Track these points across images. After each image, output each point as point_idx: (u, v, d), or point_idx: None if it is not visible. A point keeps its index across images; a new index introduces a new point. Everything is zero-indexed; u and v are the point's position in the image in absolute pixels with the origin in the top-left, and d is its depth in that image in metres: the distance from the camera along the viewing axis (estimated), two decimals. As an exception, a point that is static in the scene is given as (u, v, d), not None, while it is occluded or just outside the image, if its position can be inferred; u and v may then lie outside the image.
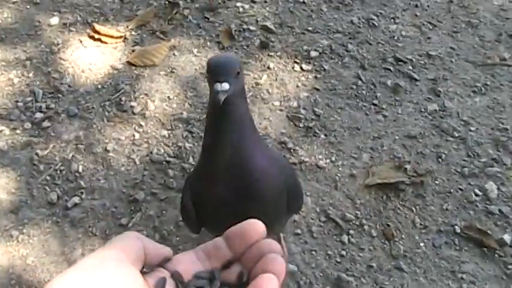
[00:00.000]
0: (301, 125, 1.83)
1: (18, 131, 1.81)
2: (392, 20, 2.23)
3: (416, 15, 2.26)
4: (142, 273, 0.61)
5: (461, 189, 1.71)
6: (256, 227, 0.64)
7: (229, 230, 0.65)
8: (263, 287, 0.58)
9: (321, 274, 1.53)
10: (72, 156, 1.75)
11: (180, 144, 1.77)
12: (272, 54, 2.05)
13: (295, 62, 2.03)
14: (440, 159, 1.77)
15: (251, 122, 1.10)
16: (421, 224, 1.63)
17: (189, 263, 0.64)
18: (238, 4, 2.26)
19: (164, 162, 1.73)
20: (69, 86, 1.94)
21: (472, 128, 1.86)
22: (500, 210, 1.67)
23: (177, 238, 1.58)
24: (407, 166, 1.73)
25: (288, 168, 1.31)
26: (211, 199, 1.15)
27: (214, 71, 0.99)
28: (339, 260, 1.55)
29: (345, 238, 1.59)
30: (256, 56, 2.05)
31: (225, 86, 0.96)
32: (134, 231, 0.63)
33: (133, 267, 0.59)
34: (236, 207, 1.09)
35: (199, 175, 1.19)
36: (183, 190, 1.25)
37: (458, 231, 1.62)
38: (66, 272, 0.55)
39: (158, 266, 0.64)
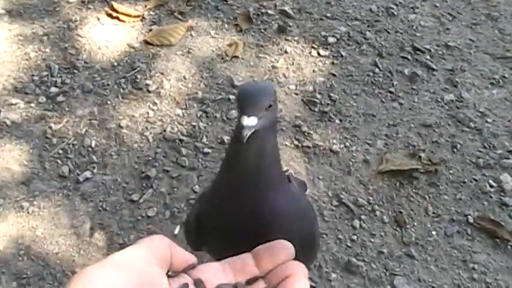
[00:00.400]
0: (316, 110, 1.82)
1: (32, 105, 1.81)
2: (411, 9, 2.21)
3: (435, 6, 2.24)
4: (167, 276, 0.62)
5: (475, 180, 1.69)
6: (286, 247, 0.65)
7: (258, 247, 0.66)
8: None
9: (331, 258, 1.52)
10: (86, 131, 1.75)
11: (194, 123, 1.76)
12: (289, 38, 2.04)
13: (313, 47, 2.01)
14: (455, 149, 1.75)
15: (277, 158, 0.99)
16: (433, 213, 1.61)
17: (213, 273, 0.65)
18: (257, -12, 2.25)
19: (177, 141, 1.72)
20: (85, 62, 1.93)
21: (489, 120, 1.84)
22: (514, 203, 1.65)
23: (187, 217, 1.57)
24: (422, 154, 1.71)
25: (308, 213, 1.18)
26: (219, 223, 1.06)
27: (243, 102, 0.87)
28: (349, 244, 1.54)
29: (357, 223, 1.58)
30: (274, 39, 2.03)
31: (252, 121, 0.85)
32: (163, 235, 0.64)
33: (160, 269, 0.60)
34: (241, 238, 0.93)
35: (211, 194, 1.11)
36: (193, 205, 1.20)
37: (471, 221, 1.60)
38: (97, 266, 0.56)
39: (183, 272, 0.64)
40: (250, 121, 0.85)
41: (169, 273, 0.62)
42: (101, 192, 1.62)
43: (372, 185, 1.65)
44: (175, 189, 1.62)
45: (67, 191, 1.61)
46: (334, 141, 1.74)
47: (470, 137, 1.79)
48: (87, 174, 1.65)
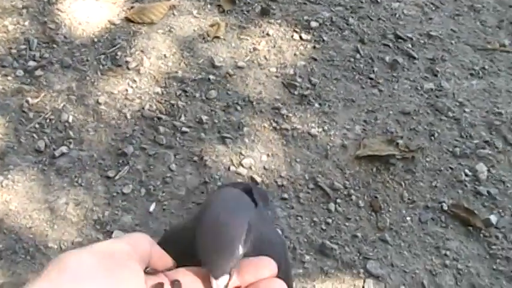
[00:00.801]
0: (296, 93, 1.82)
1: (9, 78, 1.78)
2: (395, -2, 2.22)
3: (419, -5, 2.24)
4: (145, 272, 0.61)
5: (451, 168, 1.70)
6: (271, 265, 0.65)
7: (243, 259, 0.65)
8: None
9: (305, 240, 1.52)
10: (63, 106, 1.73)
11: (172, 102, 1.75)
12: (272, 21, 2.03)
13: (295, 30, 2.00)
14: (432, 137, 1.76)
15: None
16: (409, 199, 1.62)
17: (192, 278, 0.65)
18: (242, -30, 2.23)
19: (155, 119, 1.71)
20: (64, 37, 1.91)
21: (467, 110, 1.85)
22: (488, 192, 1.66)
23: (163, 194, 1.56)
24: (400, 141, 1.72)
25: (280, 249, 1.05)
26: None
27: (206, 256, 0.63)
28: (324, 227, 1.55)
29: (332, 206, 1.58)
30: (256, 22, 2.02)
31: (224, 280, 0.63)
32: (145, 233, 0.63)
33: (138, 265, 0.60)
34: None
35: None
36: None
37: (446, 208, 1.62)
38: (76, 252, 0.56)
39: (161, 272, 0.64)
40: (221, 283, 0.63)
41: (147, 269, 0.62)
42: (76, 167, 1.60)
43: (348, 170, 1.66)
44: (151, 167, 1.61)
45: (42, 166, 1.60)
46: (313, 124, 1.74)
47: (448, 126, 1.80)
48: (64, 149, 1.63)
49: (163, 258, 0.65)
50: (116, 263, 0.57)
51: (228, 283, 0.66)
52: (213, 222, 0.67)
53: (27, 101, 1.73)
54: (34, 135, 1.66)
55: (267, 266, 0.65)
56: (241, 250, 0.64)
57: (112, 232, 1.48)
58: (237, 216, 0.69)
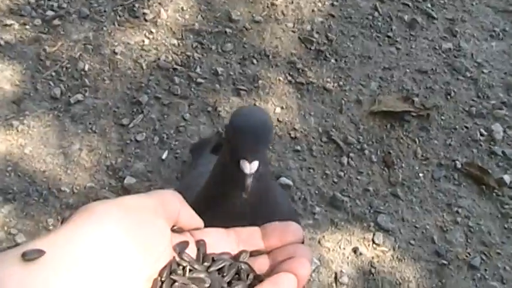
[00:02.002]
0: (312, 48, 1.80)
1: (27, 27, 1.79)
2: (416, -42, 2.18)
3: (441, -43, 2.21)
4: (172, 231, 0.61)
5: (466, 127, 1.69)
6: (296, 230, 0.64)
7: (269, 223, 0.65)
8: (280, 284, 0.58)
9: (316, 192, 1.52)
10: (80, 55, 1.73)
11: (188, 53, 1.75)
12: (291, -22, 2.02)
13: (314, -13, 1.99)
14: (449, 96, 1.75)
15: (273, 190, 0.88)
16: (422, 156, 1.61)
17: (217, 238, 0.65)
18: None
19: (171, 69, 1.71)
20: (82, -13, 1.91)
21: (485, 71, 1.83)
22: (503, 152, 1.65)
23: (176, 142, 1.57)
24: (415, 99, 1.71)
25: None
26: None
27: (242, 144, 0.72)
28: (336, 180, 1.54)
29: (345, 160, 1.58)
30: (275, -22, 2.01)
31: (255, 166, 0.71)
32: (176, 192, 0.63)
33: (165, 222, 0.59)
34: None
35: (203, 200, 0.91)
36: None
37: (459, 166, 1.61)
38: (105, 202, 0.56)
39: (187, 231, 0.64)
40: (253, 167, 0.71)
41: (174, 227, 0.62)
42: (91, 115, 1.61)
43: (362, 125, 1.65)
44: (165, 116, 1.61)
45: (57, 112, 1.61)
46: (328, 79, 1.73)
47: (465, 85, 1.78)
48: (79, 97, 1.64)
49: (192, 218, 0.64)
50: (142, 218, 0.57)
51: (258, 170, 0.71)
52: (243, 118, 0.76)
53: (44, 50, 1.73)
54: (50, 82, 1.66)
55: (292, 231, 0.64)
56: (270, 140, 0.73)
57: (124, 178, 1.49)
58: (264, 116, 0.77)
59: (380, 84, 1.75)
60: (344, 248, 1.44)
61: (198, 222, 0.65)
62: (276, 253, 0.63)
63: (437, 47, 1.87)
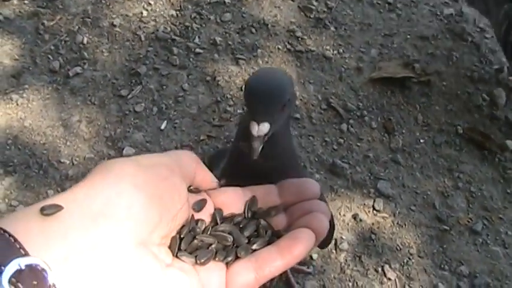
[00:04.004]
0: (311, 16, 1.79)
1: (26, 1, 1.78)
2: None
3: None
4: (189, 191, 0.61)
5: (468, 93, 1.67)
6: (312, 186, 0.64)
7: (285, 180, 0.65)
8: (298, 239, 0.58)
9: (316, 159, 1.51)
10: (78, 28, 1.73)
11: (187, 24, 1.74)
12: None
13: (313, -44, 1.97)
14: (450, 62, 1.73)
15: (292, 156, 0.87)
16: (423, 122, 1.60)
17: (235, 197, 0.65)
18: None
19: (169, 40, 1.70)
20: (80, -39, 1.90)
21: (488, 36, 1.81)
22: (506, 117, 1.64)
23: (175, 112, 1.56)
24: (416, 65, 1.69)
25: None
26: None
27: (252, 104, 0.71)
28: (335, 147, 1.54)
29: (344, 127, 1.57)
30: None
31: (264, 128, 0.69)
32: (193, 152, 0.63)
33: (182, 181, 0.59)
34: None
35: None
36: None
37: (461, 132, 1.60)
38: (121, 160, 0.57)
39: (204, 191, 0.64)
40: (262, 129, 0.69)
41: (191, 187, 0.62)
42: (90, 87, 1.61)
43: (362, 92, 1.64)
44: (164, 87, 1.61)
45: (56, 85, 1.61)
46: (328, 47, 1.72)
47: (466, 50, 1.76)
48: (78, 69, 1.64)
49: (208, 178, 0.65)
50: (157, 175, 0.57)
51: (268, 133, 0.69)
52: (258, 79, 0.73)
53: (43, 24, 1.73)
54: (49, 56, 1.66)
55: (309, 188, 0.64)
56: (285, 102, 0.70)
57: (123, 149, 1.49)
58: (281, 77, 0.74)
59: (380, 51, 1.73)
60: (344, 215, 1.43)
61: (214, 182, 0.65)
62: (293, 209, 0.64)
63: (438, 13, 1.85)
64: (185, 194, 0.60)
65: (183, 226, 0.61)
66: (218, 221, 0.63)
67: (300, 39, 1.73)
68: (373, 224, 1.44)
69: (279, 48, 1.70)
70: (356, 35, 1.76)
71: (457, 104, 1.65)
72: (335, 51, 1.71)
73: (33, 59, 1.66)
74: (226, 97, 1.59)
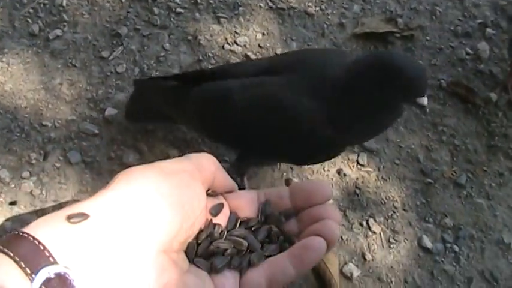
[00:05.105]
0: (293, -27, 1.77)
1: (3, -35, 1.76)
2: None
3: None
4: (206, 194, 0.63)
5: (452, 47, 1.67)
6: (325, 189, 0.65)
7: (297, 183, 0.69)
8: (310, 247, 0.59)
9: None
10: (57, -9, 1.71)
11: (167, -16, 1.72)
12: None
13: None
14: (434, 17, 1.72)
15: None
16: (406, 76, 1.59)
17: (249, 200, 0.67)
18: None
19: (150, 0, 1.68)
20: None
21: (471, -10, 1.79)
22: (490, 71, 1.63)
23: (157, 72, 1.55)
24: (399, 20, 1.68)
25: None
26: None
27: (425, 84, 0.96)
28: (319, 103, 1.53)
29: (327, 83, 1.56)
30: None
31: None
32: (211, 155, 0.64)
33: (202, 186, 0.61)
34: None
35: None
36: None
37: (444, 85, 1.59)
38: (143, 167, 0.58)
39: (221, 194, 0.67)
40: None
41: (209, 191, 0.64)
42: (70, 49, 1.59)
43: (345, 47, 1.63)
44: (145, 47, 1.60)
45: (36, 49, 1.59)
46: (310, 4, 1.70)
47: (450, 5, 1.75)
48: (58, 32, 1.62)
49: (226, 181, 0.66)
50: (180, 182, 0.58)
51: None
52: (411, 64, 0.98)
53: (21, -13, 1.70)
54: (28, 19, 1.64)
55: (321, 192, 0.65)
56: None
57: (105, 110, 1.48)
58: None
59: (363, 6, 1.72)
60: (328, 170, 1.43)
61: (232, 185, 0.67)
62: (305, 215, 0.65)
63: (422, -32, 1.83)
64: (204, 199, 0.62)
65: (200, 231, 0.63)
66: (234, 226, 0.65)
67: (281, -4, 1.71)
68: (357, 178, 1.44)
69: (260, 6, 1.68)
70: (338, -9, 1.75)
71: (440, 58, 1.64)
72: (317, 8, 1.70)
73: (12, 22, 1.63)
74: (208, 56, 1.58)
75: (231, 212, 0.66)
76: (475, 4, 1.75)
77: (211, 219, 0.64)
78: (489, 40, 1.69)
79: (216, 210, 0.64)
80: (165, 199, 0.56)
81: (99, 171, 1.40)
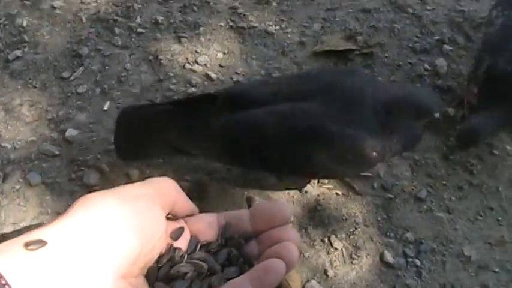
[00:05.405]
0: (254, -8, 1.79)
1: (-39, -13, 1.75)
2: None
3: None
4: (167, 218, 0.63)
5: (410, 63, 1.69)
6: (285, 211, 0.66)
7: (257, 205, 0.68)
8: (269, 270, 0.59)
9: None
10: (17, 11, 1.70)
11: (128, 4, 1.73)
12: None
13: None
14: (392, 34, 1.74)
15: None
16: (366, 93, 1.61)
17: (209, 224, 0.67)
18: None
19: (111, 21, 1.69)
20: None
21: (429, 7, 1.83)
22: (448, 86, 1.66)
23: (118, 92, 1.55)
24: (359, 37, 1.70)
25: None
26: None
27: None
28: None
29: (288, 101, 1.57)
30: None
31: None
32: (172, 180, 0.65)
33: (161, 211, 0.61)
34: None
35: None
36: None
37: (403, 101, 1.61)
38: (102, 193, 0.58)
39: (181, 217, 0.67)
40: None
41: (169, 215, 0.64)
42: (31, 70, 1.59)
43: (305, 65, 1.64)
44: (106, 67, 1.60)
45: (-4, 70, 1.58)
46: (270, 23, 1.72)
47: (408, 22, 1.78)
48: (18, 53, 1.61)
49: (187, 205, 0.67)
50: (140, 207, 0.58)
51: None
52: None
53: (-20, 8, 1.70)
54: (-12, 40, 1.64)
55: (280, 213, 0.66)
56: None
57: (65, 131, 1.47)
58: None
59: (323, 25, 1.74)
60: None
61: (192, 208, 0.68)
62: (264, 237, 0.65)
63: (380, -14, 1.86)
64: (164, 223, 0.62)
65: (161, 255, 0.63)
66: (194, 249, 0.65)
67: (242, 15, 1.73)
68: (318, 195, 1.45)
69: (221, 26, 1.70)
70: (298, 10, 1.76)
71: (399, 74, 1.66)
72: (277, 27, 1.71)
73: (-28, 44, 1.63)
74: (169, 75, 1.59)
75: (191, 236, 0.66)
76: (432, 21, 1.79)
77: (171, 244, 0.64)
78: (447, 56, 1.72)
79: (177, 234, 0.64)
80: (125, 224, 0.56)
81: (60, 193, 1.38)
